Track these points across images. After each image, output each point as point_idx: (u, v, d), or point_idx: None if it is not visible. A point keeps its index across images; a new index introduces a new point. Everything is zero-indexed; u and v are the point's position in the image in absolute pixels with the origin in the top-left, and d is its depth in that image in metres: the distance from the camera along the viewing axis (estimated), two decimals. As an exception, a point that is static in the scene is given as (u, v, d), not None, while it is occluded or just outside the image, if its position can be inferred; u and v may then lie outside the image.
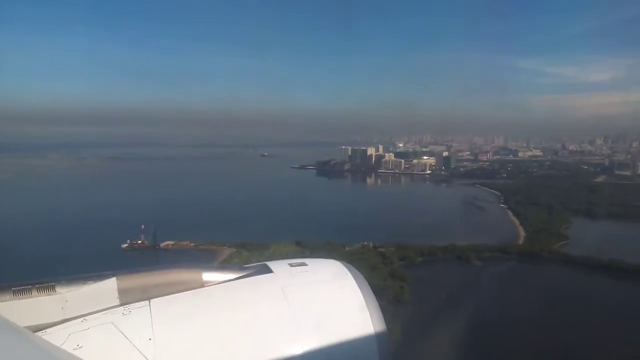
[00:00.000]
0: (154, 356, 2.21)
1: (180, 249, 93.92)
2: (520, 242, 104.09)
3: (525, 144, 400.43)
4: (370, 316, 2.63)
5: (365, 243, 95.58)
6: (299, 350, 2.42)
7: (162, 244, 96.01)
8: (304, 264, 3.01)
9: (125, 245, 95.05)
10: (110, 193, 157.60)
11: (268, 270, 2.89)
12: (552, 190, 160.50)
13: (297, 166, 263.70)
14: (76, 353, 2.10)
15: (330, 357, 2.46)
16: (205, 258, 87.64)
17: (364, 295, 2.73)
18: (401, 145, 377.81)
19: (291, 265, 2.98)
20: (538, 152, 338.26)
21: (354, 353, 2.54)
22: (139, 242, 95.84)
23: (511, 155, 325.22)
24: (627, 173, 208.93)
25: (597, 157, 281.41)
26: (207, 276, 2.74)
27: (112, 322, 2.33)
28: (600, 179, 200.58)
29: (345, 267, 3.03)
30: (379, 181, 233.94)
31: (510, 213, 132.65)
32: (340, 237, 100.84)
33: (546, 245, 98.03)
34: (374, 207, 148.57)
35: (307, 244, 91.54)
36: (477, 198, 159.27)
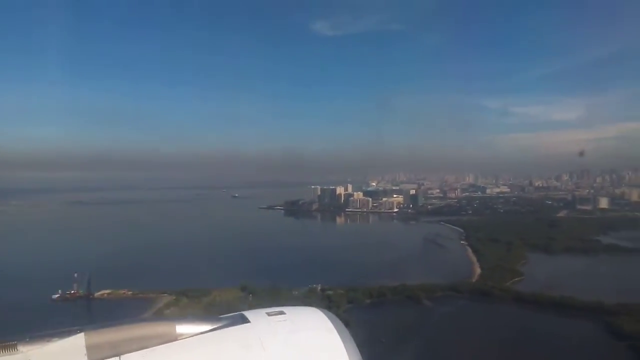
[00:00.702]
0: None
1: (117, 298, 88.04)
2: (475, 279, 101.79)
3: (494, 181, 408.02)
4: None
5: (314, 286, 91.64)
6: None
7: (97, 294, 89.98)
8: (282, 313, 2.92)
9: (56, 296, 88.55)
10: (54, 240, 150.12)
11: (245, 320, 2.79)
12: (513, 226, 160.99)
13: (265, 207, 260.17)
14: None
15: None
16: (141, 307, 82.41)
17: (344, 345, 2.66)
18: (374, 184, 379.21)
19: (269, 314, 2.89)
20: (505, 189, 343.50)
21: None
22: (72, 292, 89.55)
23: (479, 192, 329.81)
24: (588, 207, 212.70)
25: (562, 193, 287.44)
26: (181, 328, 2.61)
27: None
28: (562, 214, 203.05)
29: (325, 315, 3.02)
30: (347, 220, 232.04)
31: (469, 250, 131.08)
32: (291, 279, 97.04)
33: (499, 283, 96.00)
34: (334, 246, 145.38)
35: (254, 288, 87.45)
36: (439, 235, 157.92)
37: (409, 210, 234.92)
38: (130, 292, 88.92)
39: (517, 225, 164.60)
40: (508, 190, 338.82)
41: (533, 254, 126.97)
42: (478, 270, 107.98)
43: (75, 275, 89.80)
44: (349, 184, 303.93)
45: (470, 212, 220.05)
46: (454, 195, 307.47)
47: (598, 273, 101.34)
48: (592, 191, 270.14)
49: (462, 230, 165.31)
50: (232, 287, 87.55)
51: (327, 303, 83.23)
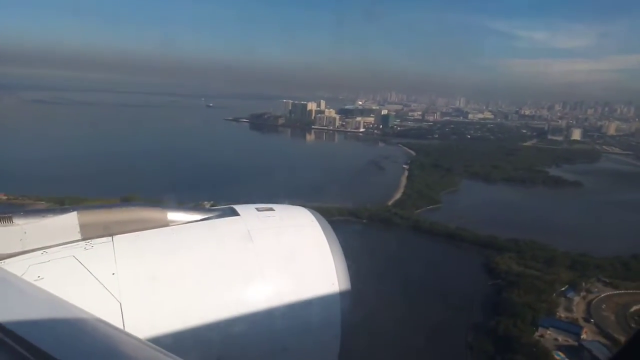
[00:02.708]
0: (118, 292, 2.17)
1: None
2: (388, 204, 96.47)
3: (484, 107, 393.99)
4: (335, 264, 2.65)
5: (203, 202, 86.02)
6: (261, 291, 2.43)
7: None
8: (271, 209, 2.98)
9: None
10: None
11: (235, 213, 2.84)
12: (468, 153, 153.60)
13: (230, 118, 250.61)
14: (37, 284, 2.06)
15: (292, 301, 2.46)
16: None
17: (329, 243, 2.75)
18: (360, 102, 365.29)
19: (258, 209, 2.95)
20: (489, 115, 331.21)
21: (316, 299, 2.53)
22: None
23: (461, 117, 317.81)
24: (559, 138, 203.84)
25: (543, 122, 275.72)
26: (172, 216, 2.68)
27: (73, 256, 2.26)
28: (529, 143, 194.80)
29: (313, 214, 3.03)
30: (309, 137, 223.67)
31: (405, 174, 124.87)
32: (197, 194, 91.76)
33: (410, 209, 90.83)
34: (272, 163, 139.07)
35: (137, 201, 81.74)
36: (387, 158, 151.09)
37: (375, 131, 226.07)
38: (5, 197, 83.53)
39: (474, 152, 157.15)
40: (492, 116, 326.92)
41: (470, 181, 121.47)
42: (398, 196, 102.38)
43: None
44: (321, 100, 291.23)
45: (437, 136, 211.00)
46: (432, 118, 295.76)
47: (518, 205, 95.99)
48: (571, 122, 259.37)
49: (414, 154, 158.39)
50: (113, 198, 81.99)
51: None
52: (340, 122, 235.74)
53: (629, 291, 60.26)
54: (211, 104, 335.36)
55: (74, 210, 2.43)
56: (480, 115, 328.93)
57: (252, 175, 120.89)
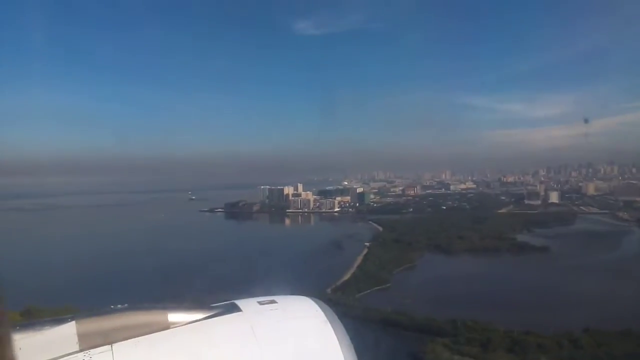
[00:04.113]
0: None
1: None
2: (333, 287, 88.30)
3: (469, 177, 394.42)
4: (343, 354, 2.53)
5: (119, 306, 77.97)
6: None
7: None
8: (273, 302, 2.92)
9: None
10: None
11: (236, 309, 2.78)
12: (436, 225, 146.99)
13: (206, 209, 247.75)
14: None
15: None
16: None
17: (336, 333, 2.65)
18: (346, 183, 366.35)
19: (260, 303, 2.89)
20: (472, 185, 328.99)
21: None
22: None
23: (443, 189, 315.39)
24: (537, 202, 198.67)
25: (521, 188, 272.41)
26: (173, 317, 2.59)
27: None
28: (504, 209, 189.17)
29: (317, 303, 2.95)
30: (283, 221, 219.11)
31: (363, 253, 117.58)
32: (124, 295, 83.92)
33: (350, 294, 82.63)
34: (232, 251, 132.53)
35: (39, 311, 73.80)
36: (352, 236, 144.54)
37: (350, 210, 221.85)
38: None
39: (443, 223, 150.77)
40: (474, 186, 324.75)
41: (432, 255, 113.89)
42: (346, 278, 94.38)
43: None
44: (299, 184, 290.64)
45: (411, 210, 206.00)
46: (412, 192, 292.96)
47: (474, 278, 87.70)
48: (551, 185, 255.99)
49: (381, 230, 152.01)
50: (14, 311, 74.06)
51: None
52: (315, 204, 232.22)
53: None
54: (193, 197, 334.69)
55: (72, 319, 2.31)
56: (463, 186, 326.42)
57: (203, 264, 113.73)
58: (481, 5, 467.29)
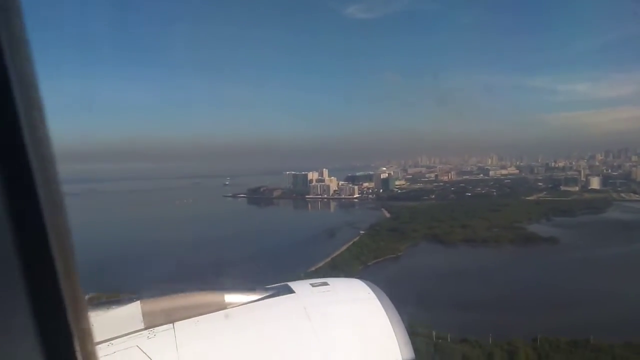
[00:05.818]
0: None
1: None
2: (301, 277, 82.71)
3: (518, 162, 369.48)
4: (395, 335, 2.61)
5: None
6: None
7: None
8: (325, 284, 3.09)
9: None
10: None
11: (290, 291, 2.92)
12: (446, 213, 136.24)
13: (230, 195, 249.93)
14: None
15: None
16: None
17: (388, 315, 2.73)
18: (384, 169, 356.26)
19: (313, 285, 3.05)
20: (514, 171, 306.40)
21: None
22: None
23: (482, 175, 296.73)
24: (574, 188, 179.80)
25: (566, 173, 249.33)
26: (230, 298, 2.77)
27: (137, 346, 2.34)
28: (533, 196, 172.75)
29: (369, 286, 3.09)
30: (300, 207, 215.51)
31: (353, 241, 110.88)
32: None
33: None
34: (231, 236, 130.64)
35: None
36: (352, 223, 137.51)
37: (370, 196, 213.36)
38: None
39: (453, 211, 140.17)
40: (517, 172, 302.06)
41: (425, 245, 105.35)
42: (314, 268, 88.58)
43: None
44: (324, 169, 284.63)
45: (433, 196, 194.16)
46: (446, 178, 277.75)
47: (456, 272, 78.50)
48: (592, 171, 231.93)
49: (387, 217, 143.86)
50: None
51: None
52: (336, 190, 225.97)
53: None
54: (227, 182, 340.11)
55: (137, 299, 2.54)
56: (504, 171, 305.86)
57: (196, 247, 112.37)
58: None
